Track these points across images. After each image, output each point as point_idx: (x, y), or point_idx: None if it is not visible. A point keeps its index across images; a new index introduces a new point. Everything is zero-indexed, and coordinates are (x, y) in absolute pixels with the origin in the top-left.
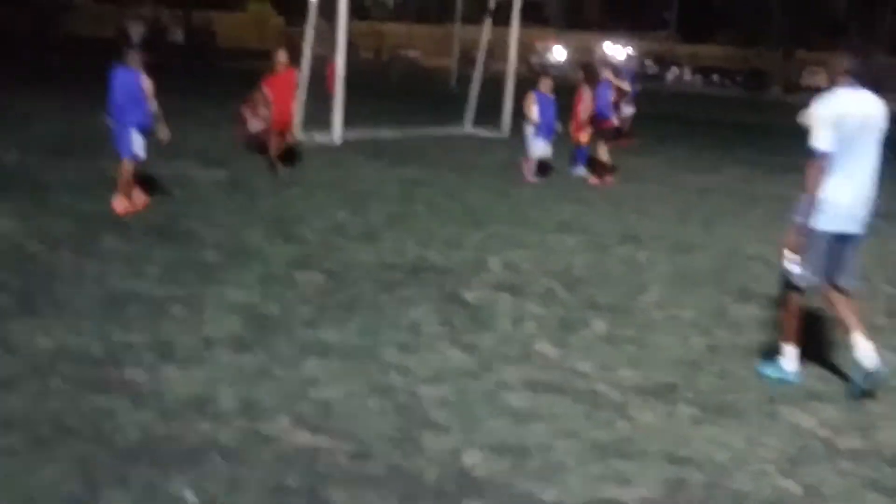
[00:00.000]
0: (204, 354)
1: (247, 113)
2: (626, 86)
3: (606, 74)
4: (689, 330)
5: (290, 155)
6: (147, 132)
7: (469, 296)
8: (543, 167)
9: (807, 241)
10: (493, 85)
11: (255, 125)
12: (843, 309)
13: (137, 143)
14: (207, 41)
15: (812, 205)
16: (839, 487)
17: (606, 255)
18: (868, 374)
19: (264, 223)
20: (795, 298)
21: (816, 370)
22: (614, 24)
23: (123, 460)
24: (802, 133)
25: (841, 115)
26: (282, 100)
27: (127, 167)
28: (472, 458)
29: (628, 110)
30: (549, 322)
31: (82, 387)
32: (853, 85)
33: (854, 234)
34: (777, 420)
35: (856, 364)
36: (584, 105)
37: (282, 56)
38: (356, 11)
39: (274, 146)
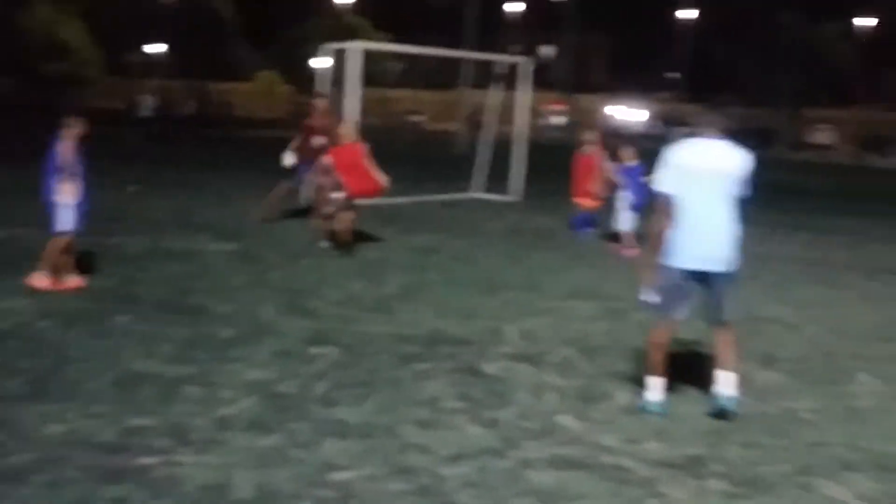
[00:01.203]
0: (219, 437)
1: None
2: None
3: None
4: (713, 399)
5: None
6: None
7: (487, 367)
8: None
9: (663, 278)
10: (501, 149)
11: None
12: (719, 344)
13: (63, 217)
14: (222, 112)
15: (657, 243)
16: None
17: (624, 322)
18: (718, 411)
19: (277, 296)
20: (660, 332)
21: (847, 439)
22: (620, 86)
23: None
24: (810, 192)
25: (686, 161)
26: (351, 170)
27: (56, 243)
28: None
29: None
30: (570, 394)
31: (95, 476)
32: (711, 136)
33: (715, 273)
34: (811, 492)
35: (712, 395)
36: (597, 170)
37: (345, 129)
38: (363, 78)
39: (343, 225)
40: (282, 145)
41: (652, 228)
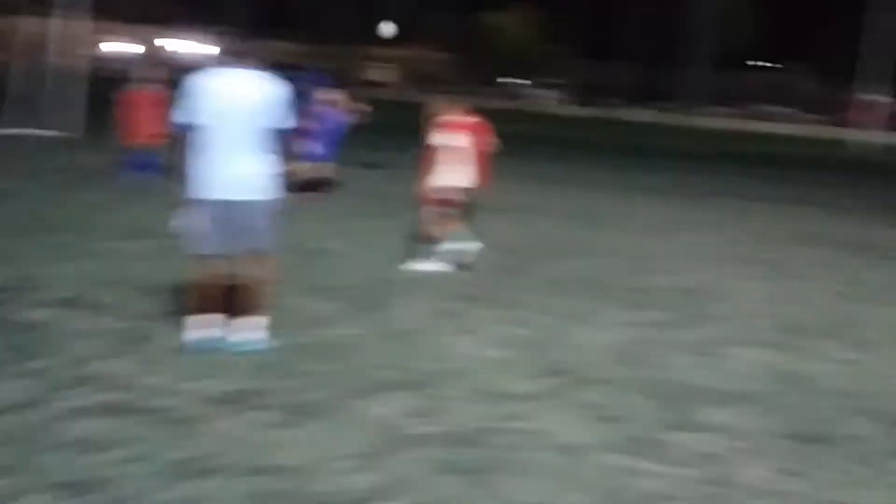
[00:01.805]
0: None
1: None
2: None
3: None
4: (271, 331)
5: None
6: None
7: (27, 316)
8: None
9: (196, 210)
10: (61, 83)
11: None
12: (252, 276)
13: None
14: None
15: (185, 173)
16: (417, 473)
17: (177, 260)
18: (235, 349)
19: None
20: (203, 269)
21: (388, 360)
22: (186, 20)
23: None
24: (368, 128)
25: (212, 90)
26: None
27: None
28: (39, 501)
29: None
30: (119, 337)
31: None
32: (242, 66)
33: (245, 201)
34: (354, 414)
35: (231, 343)
36: (159, 107)
37: None
38: None
39: None
40: None
41: (175, 161)
